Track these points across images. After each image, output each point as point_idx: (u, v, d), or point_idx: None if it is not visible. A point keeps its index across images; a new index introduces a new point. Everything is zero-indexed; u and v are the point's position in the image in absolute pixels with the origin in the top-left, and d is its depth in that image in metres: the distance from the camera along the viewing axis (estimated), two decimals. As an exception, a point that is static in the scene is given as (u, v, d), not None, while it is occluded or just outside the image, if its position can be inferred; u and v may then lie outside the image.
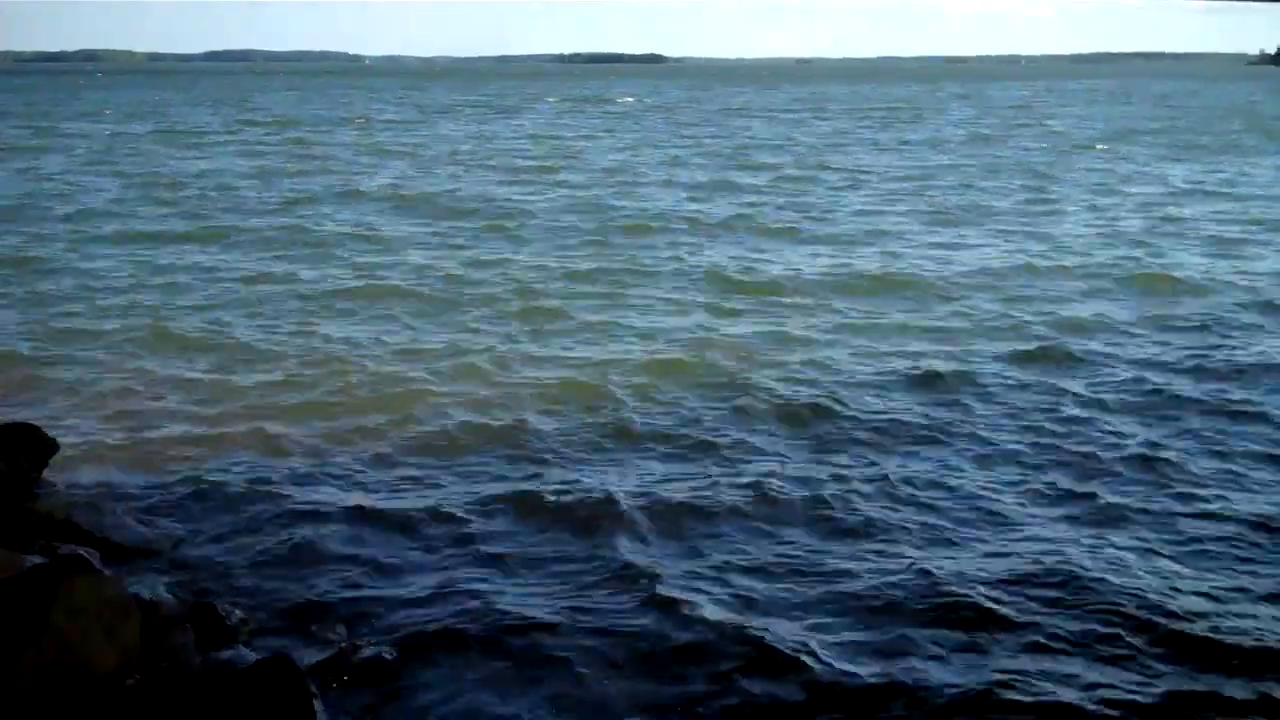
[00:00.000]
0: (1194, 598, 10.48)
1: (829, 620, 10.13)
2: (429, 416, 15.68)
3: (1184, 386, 17.03)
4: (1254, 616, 10.15)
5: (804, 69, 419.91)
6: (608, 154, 59.02)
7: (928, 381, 17.36)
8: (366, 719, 8.68)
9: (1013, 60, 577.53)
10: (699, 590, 10.64)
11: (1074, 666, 9.39)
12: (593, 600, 10.48)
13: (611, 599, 10.49)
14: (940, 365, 18.19)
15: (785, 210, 37.13)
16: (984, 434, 15.01)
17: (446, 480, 13.44)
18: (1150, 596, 10.42)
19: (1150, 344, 19.76)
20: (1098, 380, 17.47)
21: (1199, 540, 11.80)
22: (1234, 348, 19.42)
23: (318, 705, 8.46)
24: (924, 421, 15.49)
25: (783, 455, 14.27)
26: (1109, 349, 19.38)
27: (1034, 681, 9.13)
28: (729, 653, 9.54)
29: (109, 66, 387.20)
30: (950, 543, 11.74)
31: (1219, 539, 11.82)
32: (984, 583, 10.70)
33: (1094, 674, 9.28)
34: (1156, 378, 17.50)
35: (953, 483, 13.31)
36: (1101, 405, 16.22)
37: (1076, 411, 15.91)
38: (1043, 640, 9.77)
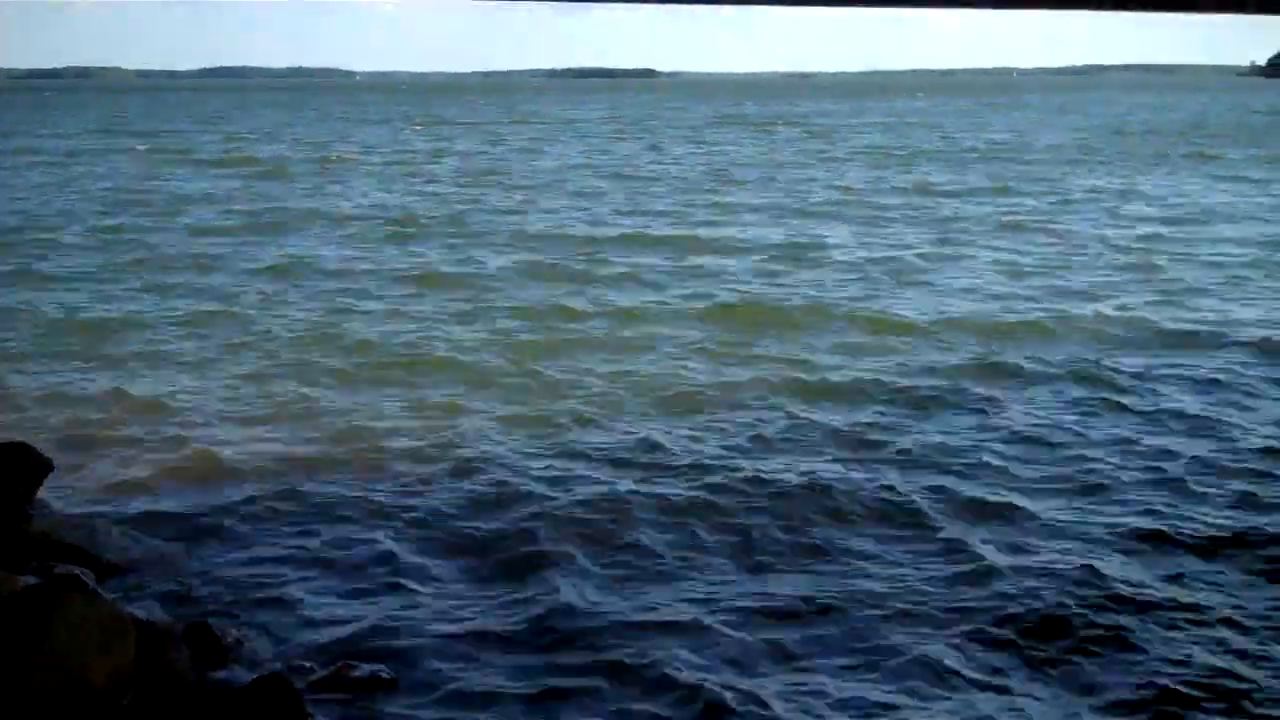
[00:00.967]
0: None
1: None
2: (420, 440, 15.68)
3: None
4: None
5: (797, 83, 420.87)
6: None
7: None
8: (362, 738, 8.70)
9: (1004, 73, 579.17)
10: (675, 622, 10.68)
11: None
12: (592, 611, 10.50)
13: (605, 613, 10.50)
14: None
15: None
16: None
17: (440, 501, 13.43)
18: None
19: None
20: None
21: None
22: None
23: (313, 724, 8.48)
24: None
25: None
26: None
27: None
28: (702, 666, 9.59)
29: (100, 83, 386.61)
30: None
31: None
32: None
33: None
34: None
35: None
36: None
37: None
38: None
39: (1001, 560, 11.55)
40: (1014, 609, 10.54)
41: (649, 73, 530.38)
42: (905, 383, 18.14)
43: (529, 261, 29.88)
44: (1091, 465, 14.39)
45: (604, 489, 13.68)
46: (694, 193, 46.82)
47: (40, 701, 7.88)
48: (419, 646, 9.91)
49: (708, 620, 10.36)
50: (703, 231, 35.51)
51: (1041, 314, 23.24)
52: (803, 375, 18.65)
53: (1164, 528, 12.44)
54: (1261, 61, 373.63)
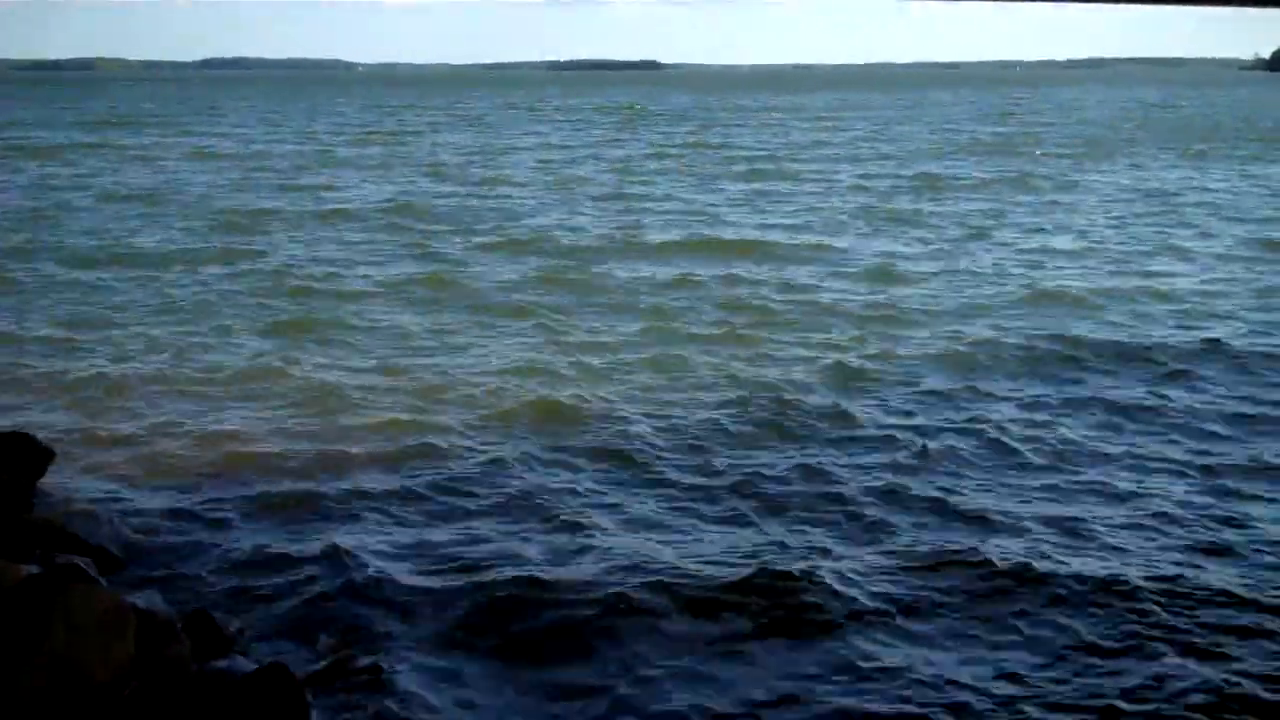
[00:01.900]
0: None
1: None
2: (423, 428, 15.69)
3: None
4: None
5: (801, 74, 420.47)
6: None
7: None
8: (362, 728, 8.71)
9: (1007, 65, 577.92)
10: (677, 591, 10.69)
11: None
12: (588, 605, 10.51)
13: (602, 604, 10.52)
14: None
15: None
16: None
17: (439, 491, 13.44)
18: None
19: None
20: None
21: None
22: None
23: (314, 714, 8.49)
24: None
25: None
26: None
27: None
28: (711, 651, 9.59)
29: (102, 75, 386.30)
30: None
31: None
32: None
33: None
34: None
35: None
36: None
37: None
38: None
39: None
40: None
41: (652, 65, 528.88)
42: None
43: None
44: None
45: (608, 480, 13.71)
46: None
47: (42, 691, 7.89)
48: (420, 638, 9.93)
49: (708, 615, 10.39)
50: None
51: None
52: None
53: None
54: (1266, 54, 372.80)
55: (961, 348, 19.97)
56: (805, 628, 10.14)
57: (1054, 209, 38.92)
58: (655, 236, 32.81)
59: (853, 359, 19.13)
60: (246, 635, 9.84)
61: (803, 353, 19.74)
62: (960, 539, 11.97)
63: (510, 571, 11.22)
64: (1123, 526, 12.36)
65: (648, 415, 16.17)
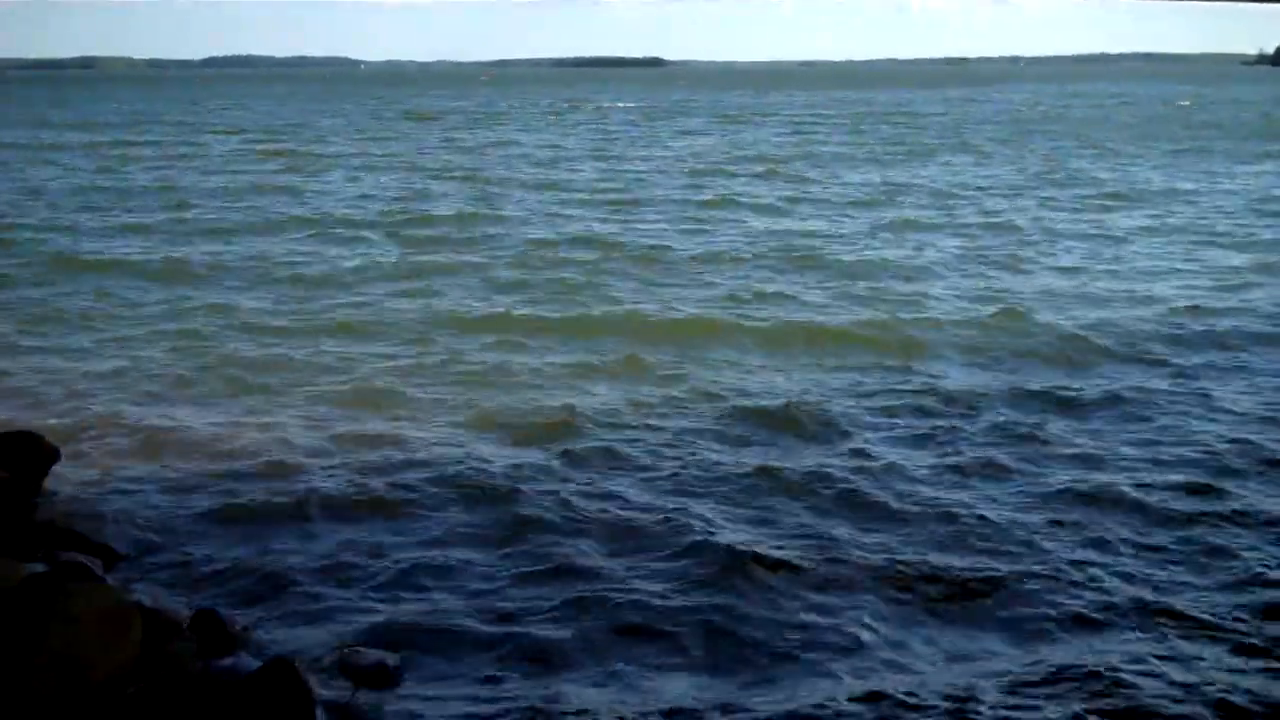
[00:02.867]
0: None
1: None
2: (428, 425, 15.69)
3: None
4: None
5: (805, 71, 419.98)
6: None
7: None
8: (368, 724, 8.71)
9: (1012, 61, 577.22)
10: (684, 591, 10.70)
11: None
12: (588, 601, 10.51)
13: (603, 601, 10.52)
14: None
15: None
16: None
17: (447, 491, 13.41)
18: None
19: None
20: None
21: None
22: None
23: (319, 712, 8.49)
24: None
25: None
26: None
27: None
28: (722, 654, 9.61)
29: (105, 74, 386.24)
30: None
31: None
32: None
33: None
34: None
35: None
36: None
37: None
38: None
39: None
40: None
41: (656, 62, 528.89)
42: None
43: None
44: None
45: (616, 484, 13.70)
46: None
47: (46, 689, 7.90)
48: (424, 635, 9.92)
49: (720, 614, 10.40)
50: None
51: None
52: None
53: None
54: (1269, 50, 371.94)
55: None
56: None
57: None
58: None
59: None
60: (252, 633, 9.85)
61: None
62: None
63: (523, 570, 11.24)
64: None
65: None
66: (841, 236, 32.44)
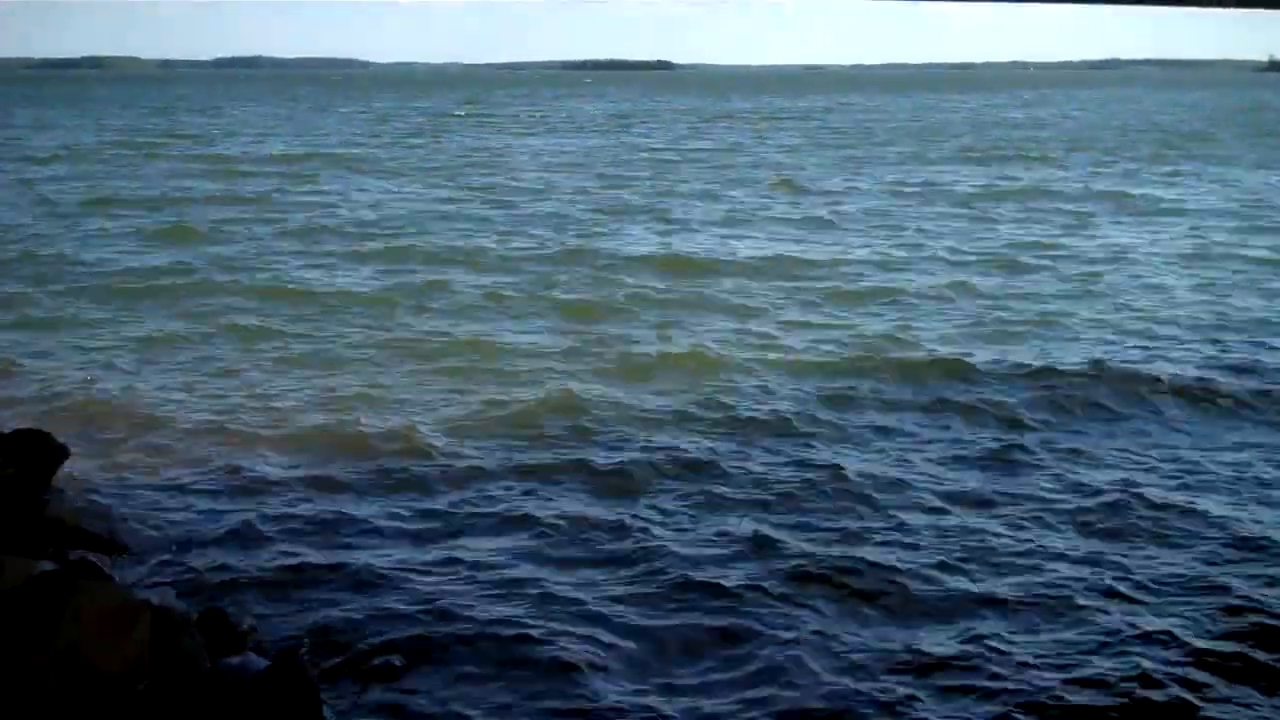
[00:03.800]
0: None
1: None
2: (438, 427, 15.71)
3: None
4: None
5: (813, 75, 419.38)
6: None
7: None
8: (375, 724, 8.72)
9: (1020, 67, 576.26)
10: (707, 598, 10.70)
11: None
12: (595, 605, 10.54)
13: (613, 605, 10.55)
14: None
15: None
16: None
17: (452, 490, 13.45)
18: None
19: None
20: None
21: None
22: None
23: (327, 711, 8.50)
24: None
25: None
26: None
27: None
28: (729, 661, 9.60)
29: (116, 74, 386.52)
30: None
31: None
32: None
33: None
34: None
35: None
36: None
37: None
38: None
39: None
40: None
41: (665, 65, 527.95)
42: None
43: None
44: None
45: (622, 478, 13.73)
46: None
47: (55, 687, 7.92)
48: (431, 634, 9.94)
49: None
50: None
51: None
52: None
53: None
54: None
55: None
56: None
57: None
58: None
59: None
60: (259, 632, 9.87)
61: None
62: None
63: (527, 569, 11.26)
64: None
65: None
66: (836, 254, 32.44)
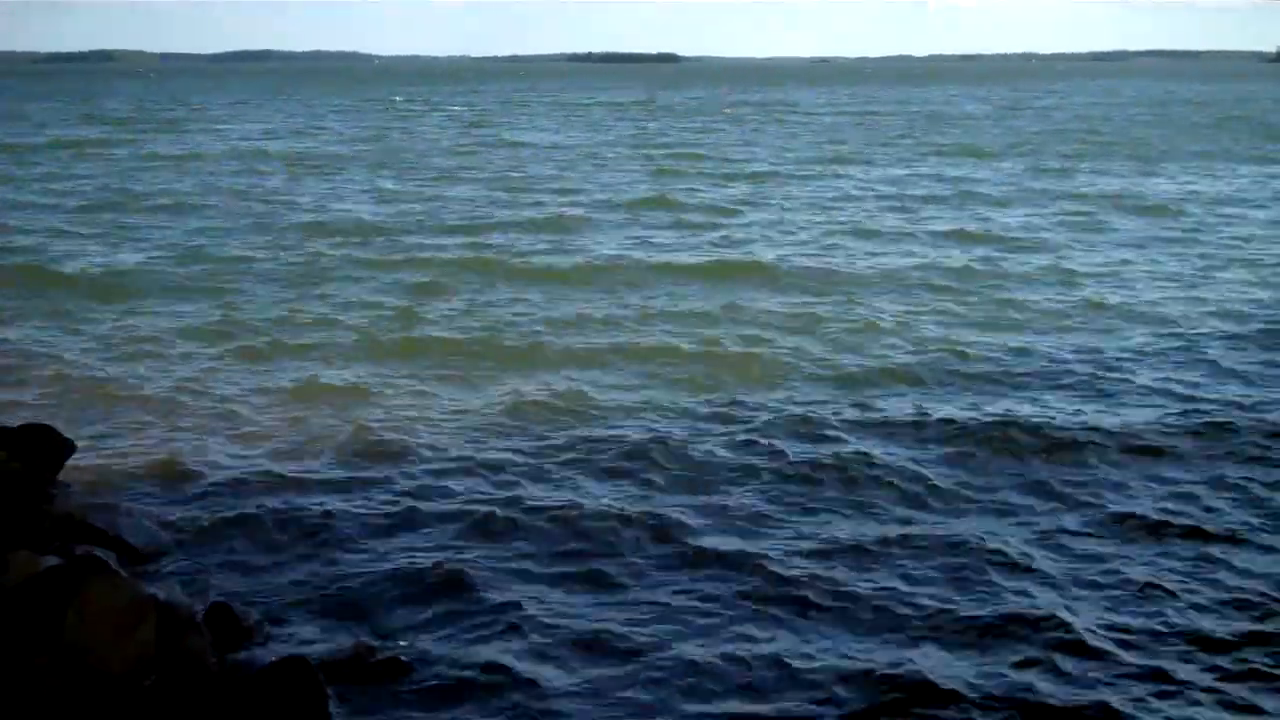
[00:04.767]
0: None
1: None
2: (442, 425, 15.67)
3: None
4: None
5: (819, 67, 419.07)
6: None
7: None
8: (382, 720, 8.71)
9: (1025, 58, 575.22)
10: (706, 598, 10.66)
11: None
12: (603, 603, 10.54)
13: (622, 606, 10.53)
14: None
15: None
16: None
17: (462, 486, 13.42)
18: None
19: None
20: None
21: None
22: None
23: (333, 706, 8.49)
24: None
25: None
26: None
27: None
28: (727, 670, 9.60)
29: (123, 67, 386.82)
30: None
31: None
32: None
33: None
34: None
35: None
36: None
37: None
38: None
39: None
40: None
41: (671, 57, 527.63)
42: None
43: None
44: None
45: (625, 476, 13.69)
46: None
47: (61, 682, 7.91)
48: (437, 632, 9.92)
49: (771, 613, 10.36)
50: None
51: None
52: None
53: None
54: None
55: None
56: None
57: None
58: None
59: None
60: (266, 627, 9.85)
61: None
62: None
63: (532, 567, 11.26)
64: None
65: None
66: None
